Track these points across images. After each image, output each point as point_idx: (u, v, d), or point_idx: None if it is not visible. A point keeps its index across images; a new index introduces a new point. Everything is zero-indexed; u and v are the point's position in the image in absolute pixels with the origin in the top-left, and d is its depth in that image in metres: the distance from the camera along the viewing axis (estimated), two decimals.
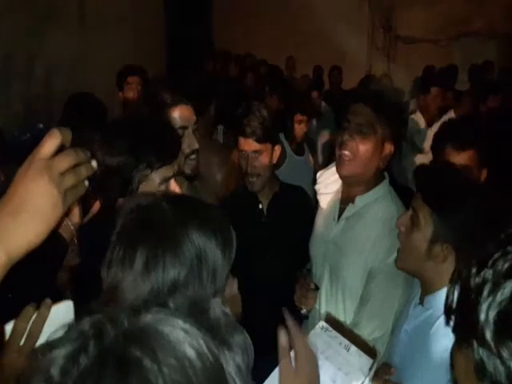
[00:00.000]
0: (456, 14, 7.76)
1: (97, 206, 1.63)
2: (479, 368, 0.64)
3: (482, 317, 0.63)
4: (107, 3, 5.49)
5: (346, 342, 1.41)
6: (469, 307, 0.65)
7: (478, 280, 0.65)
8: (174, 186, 1.38)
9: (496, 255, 0.65)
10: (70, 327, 0.57)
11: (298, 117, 3.48)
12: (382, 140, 1.73)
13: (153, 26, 6.22)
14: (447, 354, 1.30)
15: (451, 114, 4.14)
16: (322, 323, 1.48)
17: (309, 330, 1.87)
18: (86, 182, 0.81)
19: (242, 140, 2.10)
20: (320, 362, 1.18)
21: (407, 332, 1.54)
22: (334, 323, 1.52)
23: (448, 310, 0.72)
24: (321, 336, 1.45)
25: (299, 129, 3.50)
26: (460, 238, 1.36)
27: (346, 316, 1.82)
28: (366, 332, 1.70)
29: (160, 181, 1.34)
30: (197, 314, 0.81)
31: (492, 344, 0.62)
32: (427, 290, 1.49)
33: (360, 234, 1.79)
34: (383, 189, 1.82)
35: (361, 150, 1.71)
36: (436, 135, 2.28)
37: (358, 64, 7.92)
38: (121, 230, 0.95)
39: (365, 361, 1.38)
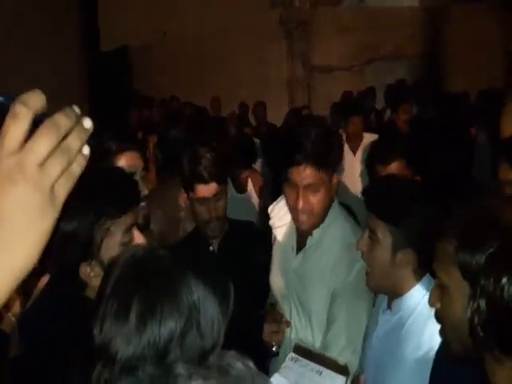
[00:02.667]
0: (366, 40, 8.28)
1: (42, 283, 1.51)
2: None
3: None
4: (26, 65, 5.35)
5: (317, 367, 1.47)
6: (507, 317, 0.66)
7: None
8: (138, 235, 1.29)
9: None
10: None
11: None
12: (329, 179, 1.75)
13: (73, 81, 6.11)
14: (419, 354, 1.43)
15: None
16: (292, 354, 1.53)
17: (280, 364, 1.86)
18: (86, 150, 0.57)
19: (200, 187, 1.99)
20: None
21: (378, 338, 1.58)
22: (304, 351, 1.55)
23: (475, 329, 0.73)
24: (292, 367, 1.49)
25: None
26: (416, 238, 1.48)
27: (315, 343, 1.81)
28: (335, 352, 1.70)
29: (123, 231, 1.25)
30: (220, 377, 0.76)
31: None
32: (394, 294, 1.56)
33: (320, 261, 1.81)
34: (334, 212, 1.85)
35: (315, 203, 1.73)
36: (367, 157, 2.51)
37: (281, 97, 8.17)
38: (115, 282, 0.90)
39: (338, 381, 1.44)
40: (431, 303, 1.14)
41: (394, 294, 1.56)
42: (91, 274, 1.24)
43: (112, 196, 1.24)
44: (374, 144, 2.68)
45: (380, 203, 1.53)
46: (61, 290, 1.28)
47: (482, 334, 0.72)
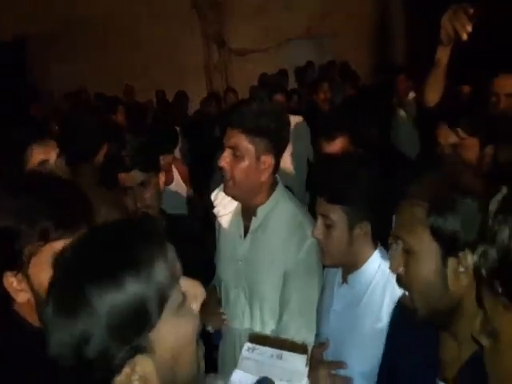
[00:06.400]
0: (278, 23, 8.38)
1: None
2: None
3: None
4: None
5: (276, 351, 1.45)
6: None
7: None
8: None
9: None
10: None
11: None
12: (256, 156, 1.73)
13: None
14: (380, 325, 1.45)
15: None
16: (248, 344, 1.49)
17: (226, 349, 1.90)
18: None
19: (124, 176, 1.89)
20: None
21: (336, 311, 1.60)
22: (259, 339, 1.54)
23: (479, 273, 0.73)
24: (250, 357, 1.46)
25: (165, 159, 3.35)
26: (369, 208, 1.51)
27: (266, 330, 1.80)
28: (292, 333, 1.70)
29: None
30: None
31: None
32: (350, 269, 1.59)
33: (268, 244, 1.79)
34: (279, 193, 1.84)
35: (235, 172, 1.73)
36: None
37: (199, 82, 8.00)
38: None
39: (299, 360, 1.44)
40: (394, 268, 1.13)
41: (352, 267, 1.58)
42: (17, 287, 1.06)
43: (53, 210, 1.05)
44: (318, 121, 2.82)
45: (328, 187, 1.54)
46: None
47: (488, 279, 0.72)
